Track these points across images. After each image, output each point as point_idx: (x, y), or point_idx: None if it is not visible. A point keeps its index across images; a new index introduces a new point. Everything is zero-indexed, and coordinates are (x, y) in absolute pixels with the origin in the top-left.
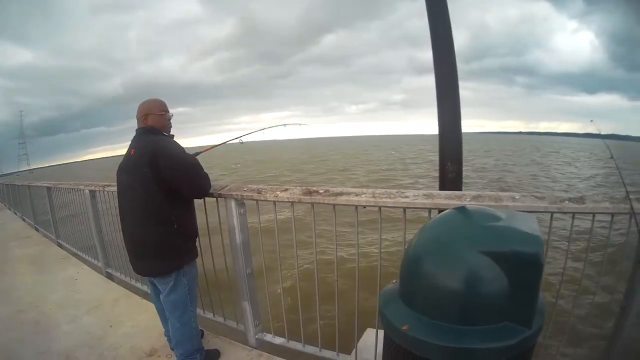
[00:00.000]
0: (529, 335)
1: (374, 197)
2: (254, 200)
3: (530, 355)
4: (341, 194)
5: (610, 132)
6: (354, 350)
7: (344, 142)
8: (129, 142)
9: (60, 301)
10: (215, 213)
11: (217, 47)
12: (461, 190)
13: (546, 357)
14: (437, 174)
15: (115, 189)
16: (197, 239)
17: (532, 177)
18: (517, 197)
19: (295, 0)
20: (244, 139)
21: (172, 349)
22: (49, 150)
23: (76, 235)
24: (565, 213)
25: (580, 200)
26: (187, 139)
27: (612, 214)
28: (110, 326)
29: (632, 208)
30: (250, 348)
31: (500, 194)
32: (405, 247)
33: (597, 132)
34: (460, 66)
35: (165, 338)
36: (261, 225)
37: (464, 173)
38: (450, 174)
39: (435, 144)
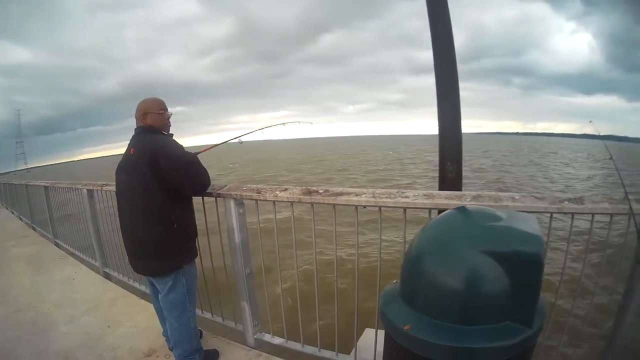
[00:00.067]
0: (530, 335)
1: (374, 197)
2: (253, 200)
3: (530, 354)
4: (341, 193)
5: (608, 133)
6: (354, 350)
7: (342, 142)
8: (127, 142)
9: (58, 301)
10: (214, 213)
11: (215, 46)
12: (461, 190)
13: (546, 357)
14: (435, 174)
15: (113, 188)
16: (196, 239)
17: (531, 178)
18: (517, 198)
19: None
20: (243, 139)
21: (171, 349)
22: (46, 149)
23: (73, 235)
24: (564, 213)
25: (580, 200)
26: (185, 139)
27: (611, 215)
28: (109, 326)
29: (631, 208)
30: (249, 348)
31: (500, 194)
32: (406, 247)
33: (595, 133)
34: (459, 66)
35: (164, 338)
36: (260, 225)
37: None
38: (450, 174)
39: (433, 144)
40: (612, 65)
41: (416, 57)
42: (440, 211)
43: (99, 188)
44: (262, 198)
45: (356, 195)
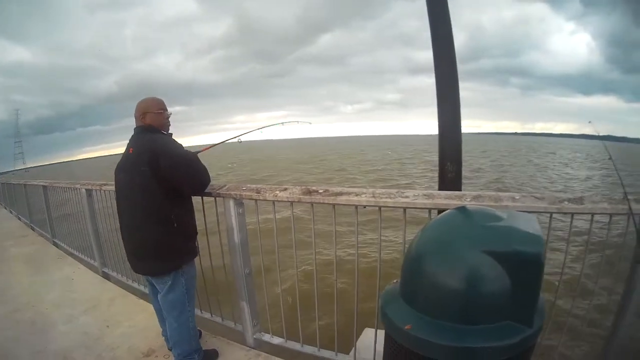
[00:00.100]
0: (531, 334)
1: (374, 197)
2: (253, 199)
3: (530, 354)
4: (341, 193)
5: (606, 134)
6: (353, 350)
7: (340, 142)
8: (125, 141)
9: (57, 301)
10: (214, 213)
11: (213, 45)
12: (460, 190)
13: (545, 357)
14: (433, 175)
15: (112, 188)
16: (196, 239)
17: (530, 178)
18: (517, 198)
19: None
20: (242, 138)
21: (170, 349)
22: (44, 149)
23: (72, 235)
24: (564, 213)
25: (579, 200)
26: (184, 138)
27: (611, 215)
28: (107, 326)
29: (630, 209)
30: (248, 348)
31: (500, 194)
32: (406, 247)
33: (594, 134)
34: (457, 66)
35: (163, 338)
36: (259, 225)
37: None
38: (449, 174)
39: (431, 144)
40: (611, 66)
41: (414, 57)
42: (440, 211)
43: (97, 188)
44: (261, 198)
45: (356, 195)
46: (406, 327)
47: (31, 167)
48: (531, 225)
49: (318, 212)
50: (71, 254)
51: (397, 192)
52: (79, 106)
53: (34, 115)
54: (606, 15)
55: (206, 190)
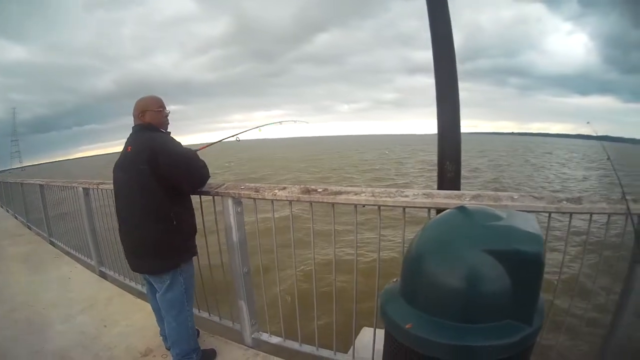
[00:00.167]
0: (531, 333)
1: (373, 196)
2: (252, 198)
3: (530, 352)
4: (340, 192)
5: (603, 134)
6: (351, 349)
7: (336, 142)
8: (121, 140)
9: (54, 300)
10: (212, 212)
11: (210, 44)
12: (459, 189)
13: (543, 356)
14: (430, 174)
15: (109, 187)
16: (195, 237)
17: (528, 178)
18: (516, 197)
19: None
20: (241, 137)
21: (168, 349)
22: (41, 148)
23: (69, 234)
24: (563, 213)
25: (578, 200)
26: (181, 137)
27: (609, 214)
28: (105, 326)
29: (628, 208)
30: (246, 347)
31: (499, 193)
32: (406, 246)
33: (592, 134)
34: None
35: (161, 338)
36: (258, 224)
37: None
38: (449, 174)
39: (428, 143)
40: (608, 67)
41: (411, 56)
42: (439, 210)
43: (94, 186)
44: (260, 197)
45: (355, 194)
46: (407, 326)
47: (28, 166)
48: (531, 224)
49: (316, 212)
50: (68, 253)
51: (396, 192)
52: (76, 105)
53: (31, 114)
54: (604, 16)
55: (204, 189)
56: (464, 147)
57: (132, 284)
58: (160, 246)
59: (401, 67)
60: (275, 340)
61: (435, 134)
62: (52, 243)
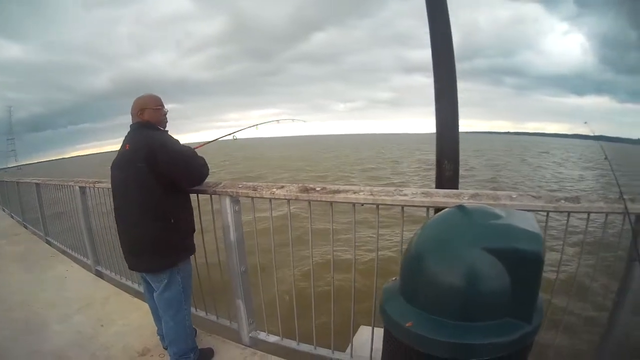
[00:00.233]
0: (530, 331)
1: (372, 194)
2: (250, 197)
3: (529, 350)
4: (339, 191)
5: (599, 134)
6: (349, 347)
7: (333, 140)
8: (117, 139)
9: (50, 299)
10: (209, 211)
11: (207, 43)
12: (457, 188)
13: (541, 354)
14: (426, 173)
15: (105, 185)
16: (193, 236)
17: (525, 177)
18: (514, 196)
19: None
20: (238, 135)
21: (165, 348)
22: (36, 147)
23: (65, 233)
24: (561, 212)
25: (576, 199)
26: (178, 136)
27: (607, 214)
28: (102, 325)
29: (626, 208)
30: (244, 346)
31: (498, 192)
32: (405, 245)
33: (588, 134)
34: None
35: (158, 337)
36: (256, 224)
37: None
38: (447, 173)
39: (423, 142)
40: (604, 67)
41: (408, 56)
42: (438, 209)
43: (91, 185)
44: (258, 195)
45: (354, 192)
46: (407, 325)
47: (23, 165)
48: (530, 223)
49: (314, 210)
50: (64, 252)
51: (395, 190)
52: (72, 104)
53: (27, 112)
54: (600, 16)
55: (202, 188)
56: (460, 146)
57: (129, 283)
58: (158, 244)
59: (397, 66)
60: (272, 339)
61: (431, 133)
62: (48, 242)
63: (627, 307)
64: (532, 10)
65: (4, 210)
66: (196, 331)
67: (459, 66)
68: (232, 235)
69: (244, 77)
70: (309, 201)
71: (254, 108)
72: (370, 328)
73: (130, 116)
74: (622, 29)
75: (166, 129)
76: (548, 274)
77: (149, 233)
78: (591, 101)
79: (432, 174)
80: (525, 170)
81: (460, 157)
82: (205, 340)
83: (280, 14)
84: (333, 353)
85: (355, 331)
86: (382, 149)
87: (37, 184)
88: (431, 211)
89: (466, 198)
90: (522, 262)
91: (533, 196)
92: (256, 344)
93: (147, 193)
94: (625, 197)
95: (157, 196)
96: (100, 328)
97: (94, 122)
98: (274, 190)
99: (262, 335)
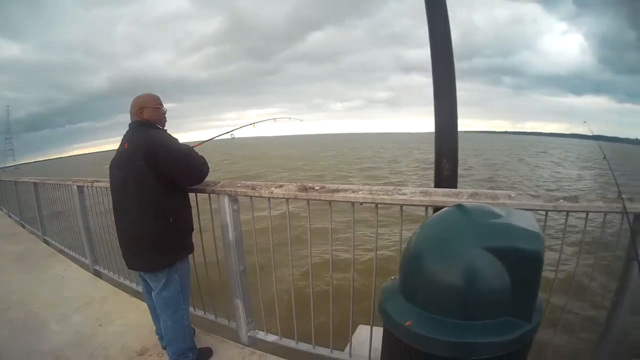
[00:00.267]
0: (529, 330)
1: (371, 193)
2: (248, 196)
3: (528, 349)
4: (338, 190)
5: (597, 134)
6: (348, 346)
7: (330, 140)
8: (115, 138)
9: (49, 299)
10: (208, 210)
11: (204, 42)
12: (456, 187)
13: (539, 353)
14: (424, 172)
15: (104, 184)
16: (192, 235)
17: (523, 177)
18: (513, 195)
19: None
20: (235, 133)
21: (164, 348)
22: (34, 146)
23: (63, 232)
24: (559, 211)
25: (575, 199)
26: (175, 135)
27: (605, 213)
28: (100, 325)
29: (624, 207)
30: (242, 346)
31: (497, 192)
32: (404, 244)
33: (586, 134)
34: None
35: (157, 336)
36: (254, 223)
37: None
38: (446, 172)
39: (421, 142)
40: (603, 67)
41: (405, 55)
42: (436, 208)
43: (89, 184)
44: (257, 194)
45: (353, 192)
46: (407, 323)
47: (21, 164)
48: (529, 222)
49: (313, 210)
50: (62, 252)
51: (394, 189)
52: (70, 103)
53: (25, 112)
54: (599, 16)
55: (200, 187)
56: (459, 145)
57: (127, 282)
58: (158, 243)
59: (395, 65)
60: (271, 338)
61: (428, 133)
62: (46, 242)
63: (625, 306)
64: (531, 10)
65: (1, 210)
66: (195, 330)
67: (457, 66)
68: (231, 235)
69: (242, 76)
70: (308, 200)
71: (252, 107)
72: (368, 327)
73: (130, 115)
74: (621, 29)
75: (165, 128)
76: (547, 273)
77: (148, 232)
78: (589, 101)
79: (430, 173)
80: (523, 169)
81: (460, 156)
82: (203, 340)
83: (278, 14)
84: (332, 352)
85: (353, 330)
86: (380, 149)
87: (35, 183)
88: (430, 210)
89: (465, 197)
90: (522, 261)
91: (532, 195)
92: (255, 343)
93: (147, 191)
94: (623, 196)
95: (157, 195)
96: (98, 328)
97: (92, 122)
98: (273, 189)
99: (261, 335)
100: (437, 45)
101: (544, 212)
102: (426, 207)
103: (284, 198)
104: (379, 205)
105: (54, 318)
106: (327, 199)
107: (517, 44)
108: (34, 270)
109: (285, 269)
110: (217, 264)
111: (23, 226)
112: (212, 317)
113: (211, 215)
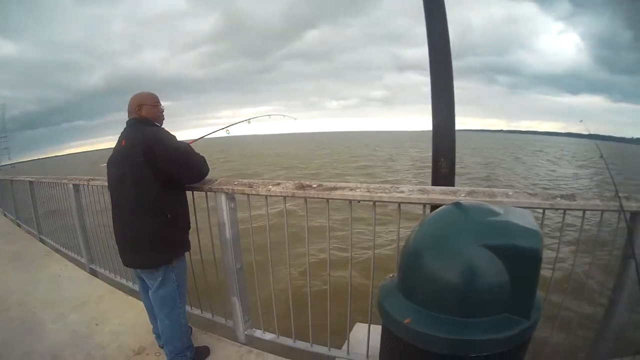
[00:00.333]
0: (528, 327)
1: (368, 191)
2: (245, 194)
3: (527, 346)
4: (335, 188)
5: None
6: (345, 344)
7: (326, 138)
8: (111, 136)
9: (45, 298)
10: (204, 208)
11: (199, 41)
12: (454, 186)
13: (538, 349)
14: (420, 171)
15: (100, 183)
16: (189, 232)
17: (519, 176)
18: (511, 194)
19: None
20: (230, 130)
21: (161, 347)
22: (30, 144)
23: (59, 231)
24: (557, 210)
25: (572, 197)
26: (172, 132)
27: (602, 211)
28: (97, 324)
29: (621, 205)
30: (239, 344)
31: (494, 190)
32: (403, 242)
33: (582, 132)
34: None
35: (154, 335)
36: (251, 221)
37: None
38: (443, 170)
39: (417, 140)
40: (598, 66)
41: (401, 54)
42: (434, 206)
43: (85, 183)
44: (254, 192)
45: (350, 189)
46: (406, 321)
47: (17, 163)
48: (527, 220)
49: (310, 208)
50: (58, 251)
51: (391, 187)
52: (65, 101)
53: (20, 110)
54: (595, 16)
55: (197, 185)
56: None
57: (123, 281)
58: (156, 240)
59: (390, 64)
60: (268, 336)
61: (424, 131)
62: (42, 241)
63: (622, 303)
64: (527, 9)
65: None
66: (192, 329)
67: (453, 64)
68: (228, 233)
69: (238, 74)
70: (305, 198)
71: (248, 106)
72: (366, 325)
73: (127, 113)
74: (617, 29)
75: (162, 126)
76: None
77: (146, 229)
78: (585, 100)
79: (427, 171)
80: (519, 168)
81: (458, 155)
82: (201, 339)
83: (273, 11)
84: (329, 350)
85: (351, 328)
86: (376, 147)
87: (30, 182)
88: (428, 208)
89: (463, 195)
90: (521, 259)
91: (529, 193)
92: (252, 341)
93: (145, 188)
94: (620, 194)
95: (155, 192)
96: (95, 327)
97: (87, 120)
98: (270, 187)
99: (258, 333)
100: (435, 45)
101: (541, 210)
102: (424, 205)
103: (282, 196)
104: (376, 203)
105: (51, 317)
106: (325, 197)
107: (512, 43)
108: (30, 270)
109: (282, 267)
110: (214, 262)
111: (19, 225)
112: (209, 315)
113: (208, 213)
